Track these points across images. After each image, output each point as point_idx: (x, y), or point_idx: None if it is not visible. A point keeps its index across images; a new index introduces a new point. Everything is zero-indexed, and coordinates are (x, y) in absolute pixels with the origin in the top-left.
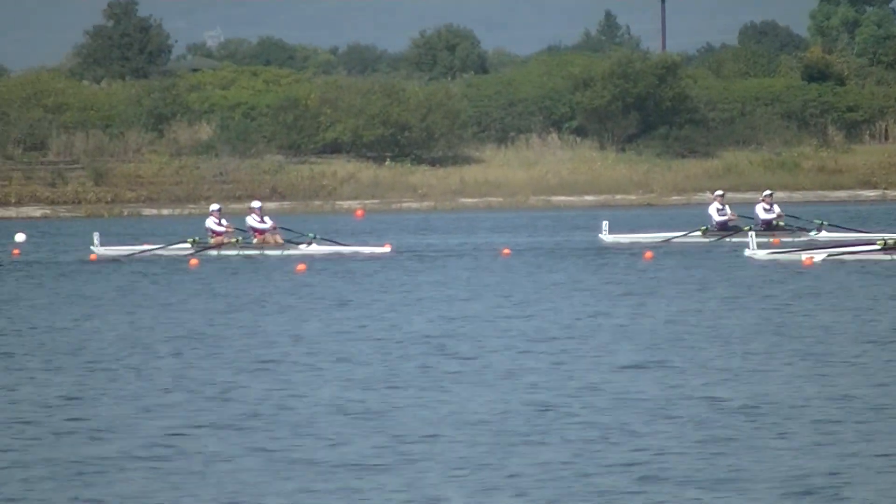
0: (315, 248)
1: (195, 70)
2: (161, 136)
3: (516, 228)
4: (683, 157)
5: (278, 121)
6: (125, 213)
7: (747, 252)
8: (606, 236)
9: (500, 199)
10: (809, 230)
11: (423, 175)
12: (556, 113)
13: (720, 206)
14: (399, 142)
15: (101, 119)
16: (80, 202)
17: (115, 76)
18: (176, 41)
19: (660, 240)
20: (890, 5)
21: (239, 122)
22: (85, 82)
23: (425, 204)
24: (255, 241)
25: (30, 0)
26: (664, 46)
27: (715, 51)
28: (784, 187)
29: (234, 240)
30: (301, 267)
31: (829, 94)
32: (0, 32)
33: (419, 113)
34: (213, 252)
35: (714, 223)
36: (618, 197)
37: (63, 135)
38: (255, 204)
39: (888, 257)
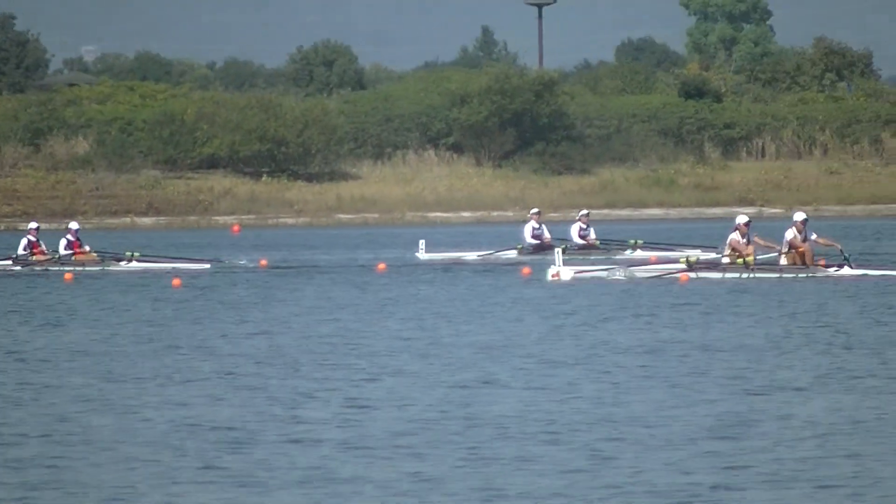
0: (135, 265)
1: (72, 85)
2: (37, 150)
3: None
4: (560, 173)
5: (155, 136)
6: (1, 228)
7: (552, 268)
8: (423, 254)
9: (377, 216)
10: (625, 249)
11: (299, 191)
12: (433, 129)
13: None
14: (276, 157)
15: None
16: None
17: None
18: (53, 55)
19: (474, 257)
20: (767, 22)
21: (115, 137)
22: None
23: (302, 220)
24: (74, 258)
25: None
26: (541, 63)
27: (592, 68)
28: (660, 204)
29: (53, 257)
30: (176, 282)
31: (706, 111)
32: None
33: (296, 128)
34: (37, 268)
35: (528, 243)
36: (494, 213)
37: None
38: (74, 225)
39: (693, 275)
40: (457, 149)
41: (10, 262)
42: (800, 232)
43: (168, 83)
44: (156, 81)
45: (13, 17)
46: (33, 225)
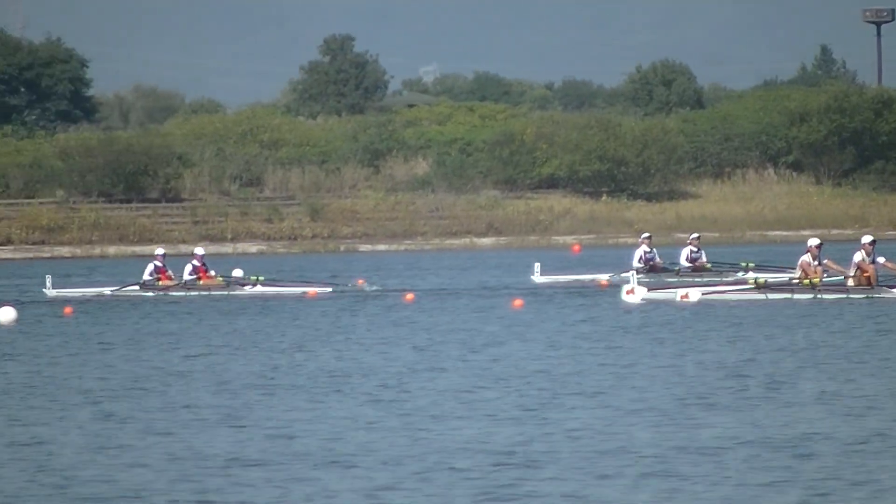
0: (259, 290)
1: (411, 106)
2: (377, 171)
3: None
4: None
5: (494, 156)
6: (341, 249)
7: (625, 286)
8: (538, 278)
9: (717, 234)
10: (737, 271)
11: (639, 210)
12: (773, 147)
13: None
14: (615, 177)
15: (317, 155)
16: (296, 238)
17: (331, 112)
18: (392, 77)
19: (586, 280)
20: None
21: (455, 158)
22: (301, 118)
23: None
24: (200, 282)
25: (246, 37)
26: (880, 80)
27: None
28: None
29: (178, 282)
30: (409, 297)
31: None
32: (217, 70)
33: (635, 148)
34: (161, 293)
35: (636, 266)
36: (834, 231)
37: (279, 171)
38: (199, 251)
39: (762, 296)
40: (796, 167)
41: (137, 287)
42: (868, 254)
43: (507, 103)
44: (494, 102)
45: (352, 39)
46: (160, 251)
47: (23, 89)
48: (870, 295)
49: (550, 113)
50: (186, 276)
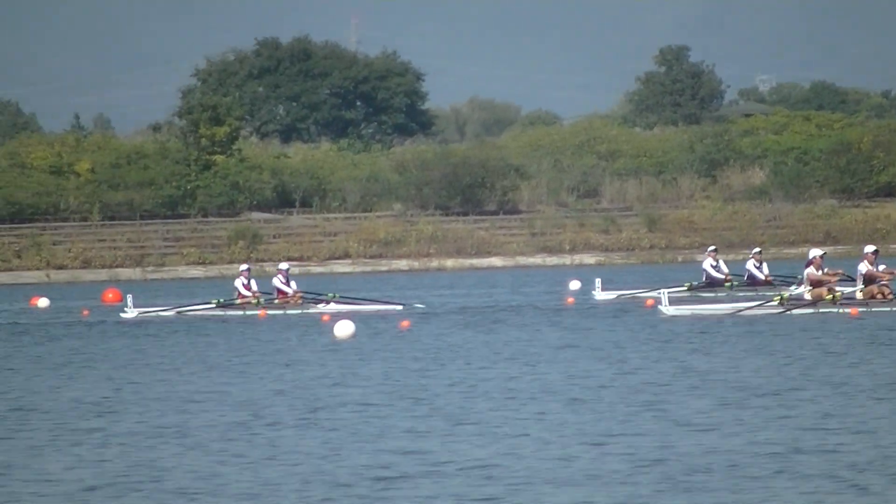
0: (333, 307)
1: (747, 115)
2: (713, 181)
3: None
4: None
5: (831, 165)
6: (679, 260)
7: (660, 307)
8: (599, 294)
9: None
10: (791, 285)
11: None
12: None
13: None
14: None
15: (654, 165)
16: (633, 249)
17: (667, 122)
18: (728, 86)
19: (649, 295)
20: None
21: (792, 167)
22: (637, 129)
23: None
24: (276, 301)
25: (582, 49)
26: None
27: None
28: None
29: (255, 301)
30: (405, 324)
31: None
32: (553, 82)
33: None
34: (239, 312)
35: (702, 281)
36: None
37: (616, 181)
38: (283, 266)
39: (783, 310)
40: None
41: (214, 304)
42: (871, 264)
43: (843, 112)
44: (831, 111)
45: (688, 49)
46: (244, 267)
47: (359, 103)
48: (891, 307)
49: (887, 121)
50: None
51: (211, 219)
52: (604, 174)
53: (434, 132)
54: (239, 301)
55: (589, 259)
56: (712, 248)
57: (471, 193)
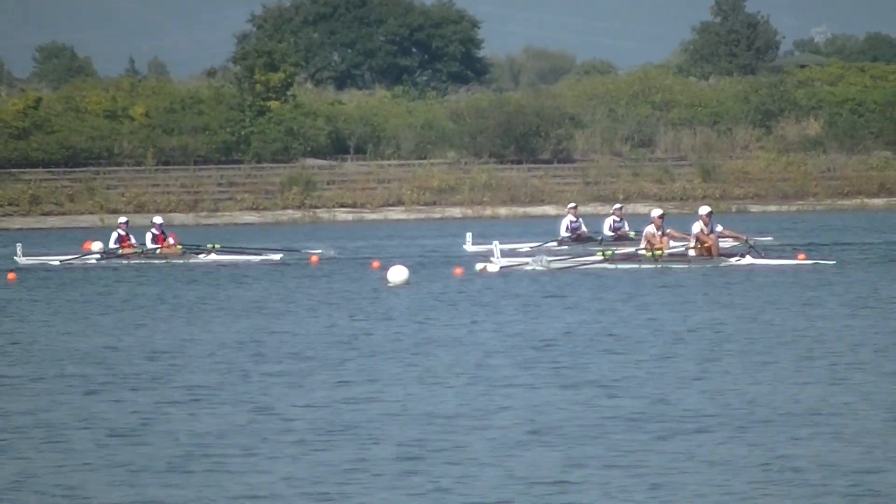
0: (214, 257)
1: (802, 66)
2: (768, 132)
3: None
4: None
5: (886, 117)
6: (733, 210)
7: (478, 264)
8: (469, 247)
9: None
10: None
11: None
12: None
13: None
14: None
15: (709, 116)
16: (687, 199)
17: (723, 73)
18: (783, 37)
19: (526, 248)
20: None
21: (846, 119)
22: (692, 79)
23: None
24: (158, 251)
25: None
26: None
27: None
28: None
29: (138, 250)
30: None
31: None
32: (608, 31)
33: None
34: (124, 261)
35: (563, 236)
36: None
37: (671, 132)
38: (157, 220)
39: (613, 266)
40: None
41: (99, 255)
42: (706, 225)
43: None
44: (886, 62)
45: (743, 0)
46: (122, 219)
47: (414, 50)
48: (712, 264)
49: None
50: (148, 245)
51: (265, 165)
52: (658, 124)
53: (489, 80)
54: (123, 250)
55: (643, 208)
56: (572, 205)
57: (525, 142)
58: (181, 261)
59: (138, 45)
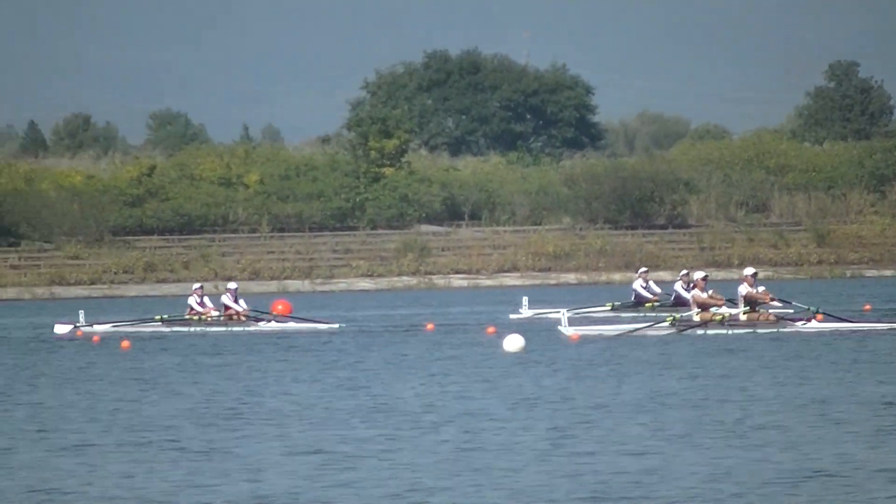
0: (273, 325)
1: None
2: (883, 197)
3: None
4: None
5: None
6: (847, 275)
7: (559, 327)
8: (525, 312)
9: None
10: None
11: None
12: None
13: (644, 283)
14: None
15: (823, 180)
16: (801, 264)
17: (837, 137)
18: None
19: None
20: None
21: None
22: (806, 143)
23: None
24: (222, 318)
25: (746, 63)
26: None
27: None
28: None
29: (205, 318)
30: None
31: None
32: (721, 96)
33: None
34: (185, 328)
35: (629, 301)
36: None
37: (785, 196)
38: (232, 285)
39: (673, 330)
40: None
41: (160, 322)
42: (751, 286)
43: None
44: None
45: (857, 65)
46: (196, 285)
47: (528, 116)
48: (777, 329)
49: None
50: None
51: (380, 231)
52: (773, 189)
53: (603, 146)
54: (188, 315)
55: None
56: (643, 269)
57: (640, 207)
58: (241, 328)
59: (252, 112)
